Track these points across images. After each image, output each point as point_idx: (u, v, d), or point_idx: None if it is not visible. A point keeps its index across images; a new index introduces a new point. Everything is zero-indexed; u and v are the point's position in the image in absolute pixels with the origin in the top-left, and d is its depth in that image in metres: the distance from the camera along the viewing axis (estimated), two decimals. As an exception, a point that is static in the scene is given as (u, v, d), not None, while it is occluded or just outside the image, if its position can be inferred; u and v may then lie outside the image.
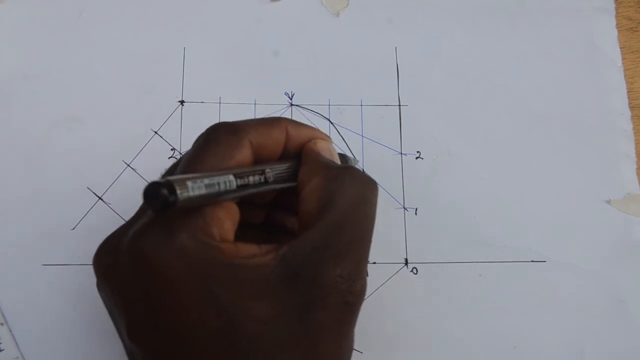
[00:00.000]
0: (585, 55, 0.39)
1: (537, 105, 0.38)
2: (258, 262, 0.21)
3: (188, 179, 0.20)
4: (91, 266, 0.33)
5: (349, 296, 0.22)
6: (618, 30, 0.39)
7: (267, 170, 0.24)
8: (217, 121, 0.35)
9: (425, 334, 0.33)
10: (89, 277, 0.33)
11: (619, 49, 0.39)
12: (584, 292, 0.34)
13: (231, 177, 0.22)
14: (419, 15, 0.39)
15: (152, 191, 0.19)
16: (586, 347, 0.33)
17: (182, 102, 0.37)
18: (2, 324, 0.32)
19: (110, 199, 0.34)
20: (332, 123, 0.37)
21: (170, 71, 0.37)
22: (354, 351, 0.32)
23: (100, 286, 0.23)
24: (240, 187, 0.22)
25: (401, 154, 0.36)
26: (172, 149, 0.36)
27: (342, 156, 0.30)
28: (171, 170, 0.25)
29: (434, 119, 0.37)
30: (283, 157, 0.26)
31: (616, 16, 0.40)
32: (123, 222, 0.33)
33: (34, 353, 0.32)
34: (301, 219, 0.24)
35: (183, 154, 0.35)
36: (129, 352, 0.23)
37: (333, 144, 0.28)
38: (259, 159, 0.25)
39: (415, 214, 0.35)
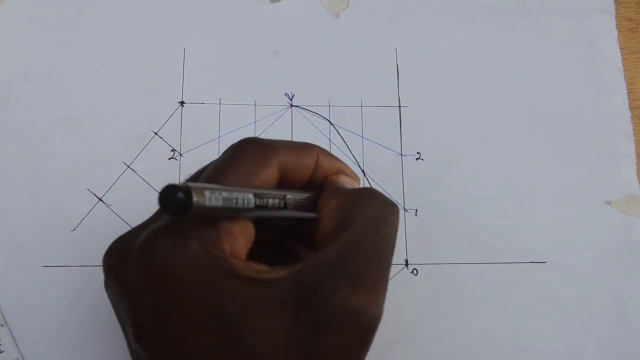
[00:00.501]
0: (585, 56, 0.39)
1: (537, 106, 0.38)
2: (269, 278, 0.21)
3: (207, 188, 0.19)
4: (91, 267, 0.33)
5: (363, 319, 0.21)
6: (618, 31, 0.39)
7: (288, 196, 0.23)
8: (217, 122, 0.36)
9: (426, 335, 0.33)
10: (90, 279, 0.33)
11: (619, 50, 0.39)
12: (584, 293, 0.34)
13: (250, 195, 0.21)
14: (419, 16, 0.39)
15: (169, 193, 0.18)
16: (586, 348, 0.33)
17: (182, 102, 0.37)
18: (2, 325, 0.32)
19: (110, 200, 0.34)
20: (332, 124, 0.37)
21: (170, 72, 0.37)
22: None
23: (108, 285, 0.23)
24: (258, 207, 0.22)
25: (401, 155, 0.36)
26: (172, 150, 0.36)
27: None
28: (195, 177, 0.25)
29: (434, 120, 0.37)
30: (308, 185, 0.26)
31: (616, 17, 0.40)
32: (123, 223, 0.34)
33: (35, 354, 0.32)
34: (319, 239, 0.23)
35: (183, 153, 0.35)
36: (133, 353, 0.23)
37: (359, 184, 0.27)
38: (285, 182, 0.24)
39: (416, 215, 0.35)
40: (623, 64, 0.39)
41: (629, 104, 0.38)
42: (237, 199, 0.21)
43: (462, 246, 0.35)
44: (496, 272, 0.34)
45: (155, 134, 0.36)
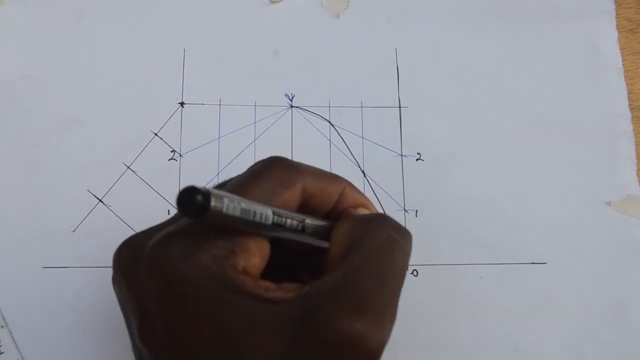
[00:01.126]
0: (586, 57, 0.39)
1: (537, 106, 0.38)
2: (277, 298, 0.21)
3: (226, 196, 0.19)
4: (91, 268, 0.33)
5: (366, 345, 0.20)
6: (618, 32, 0.39)
7: (307, 221, 0.23)
8: (217, 123, 0.36)
9: (426, 336, 0.33)
10: (89, 280, 0.33)
11: (619, 51, 0.39)
12: (584, 294, 0.34)
13: (269, 211, 0.21)
14: (419, 17, 0.39)
15: (187, 195, 0.18)
16: (587, 350, 0.33)
17: (182, 103, 0.37)
18: (2, 327, 0.32)
19: (110, 201, 0.34)
20: (332, 124, 0.37)
21: (170, 73, 0.37)
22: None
23: (117, 281, 0.23)
24: (275, 226, 0.22)
25: (401, 155, 0.36)
26: (172, 151, 0.36)
27: None
28: (217, 188, 0.25)
29: (434, 121, 0.37)
30: (329, 216, 0.25)
31: (616, 17, 0.40)
32: (123, 224, 0.34)
33: (35, 355, 0.32)
34: (327, 263, 0.23)
35: (183, 154, 0.35)
36: (137, 352, 0.23)
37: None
38: (306, 208, 0.24)
39: (416, 216, 0.35)
40: (623, 64, 0.39)
41: (629, 105, 0.38)
42: (255, 212, 0.20)
43: (462, 247, 0.35)
44: (496, 273, 0.34)
45: (156, 134, 0.36)
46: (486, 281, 0.34)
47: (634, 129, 0.37)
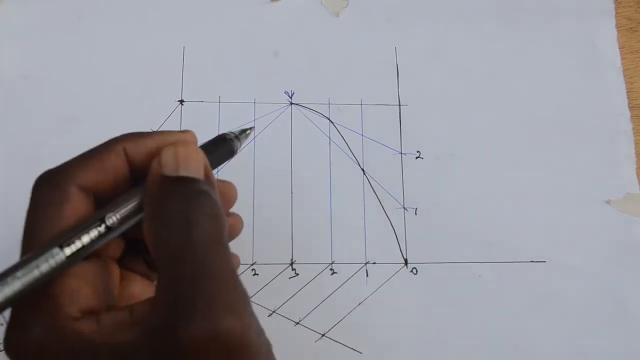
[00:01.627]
0: (585, 56, 0.39)
1: (536, 105, 0.38)
2: (120, 340, 0.19)
3: None
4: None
5: (226, 340, 0.18)
6: (618, 30, 0.39)
7: (107, 216, 0.20)
8: (217, 121, 0.36)
9: (425, 334, 0.33)
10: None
11: (618, 49, 0.39)
12: (583, 292, 0.34)
13: (56, 250, 0.19)
14: (419, 15, 0.39)
15: None
16: (586, 347, 0.33)
17: (181, 101, 0.37)
18: (2, 324, 0.32)
19: (109, 198, 0.34)
20: (331, 122, 0.37)
21: (169, 70, 0.37)
22: (353, 351, 0.32)
23: None
24: (75, 253, 0.19)
25: (401, 153, 0.36)
26: (171, 149, 0.36)
27: (221, 138, 0.26)
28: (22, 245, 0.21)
29: (434, 119, 0.37)
30: (136, 182, 0.22)
31: (616, 16, 0.40)
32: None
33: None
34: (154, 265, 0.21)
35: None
36: None
37: (190, 143, 0.24)
38: (103, 199, 0.22)
39: (415, 214, 0.35)
40: (622, 63, 0.39)
41: (629, 104, 0.38)
42: (37, 266, 0.18)
43: (462, 245, 0.35)
44: (496, 271, 0.34)
45: (155, 132, 0.36)
46: (485, 279, 0.34)
47: (633, 128, 0.37)
